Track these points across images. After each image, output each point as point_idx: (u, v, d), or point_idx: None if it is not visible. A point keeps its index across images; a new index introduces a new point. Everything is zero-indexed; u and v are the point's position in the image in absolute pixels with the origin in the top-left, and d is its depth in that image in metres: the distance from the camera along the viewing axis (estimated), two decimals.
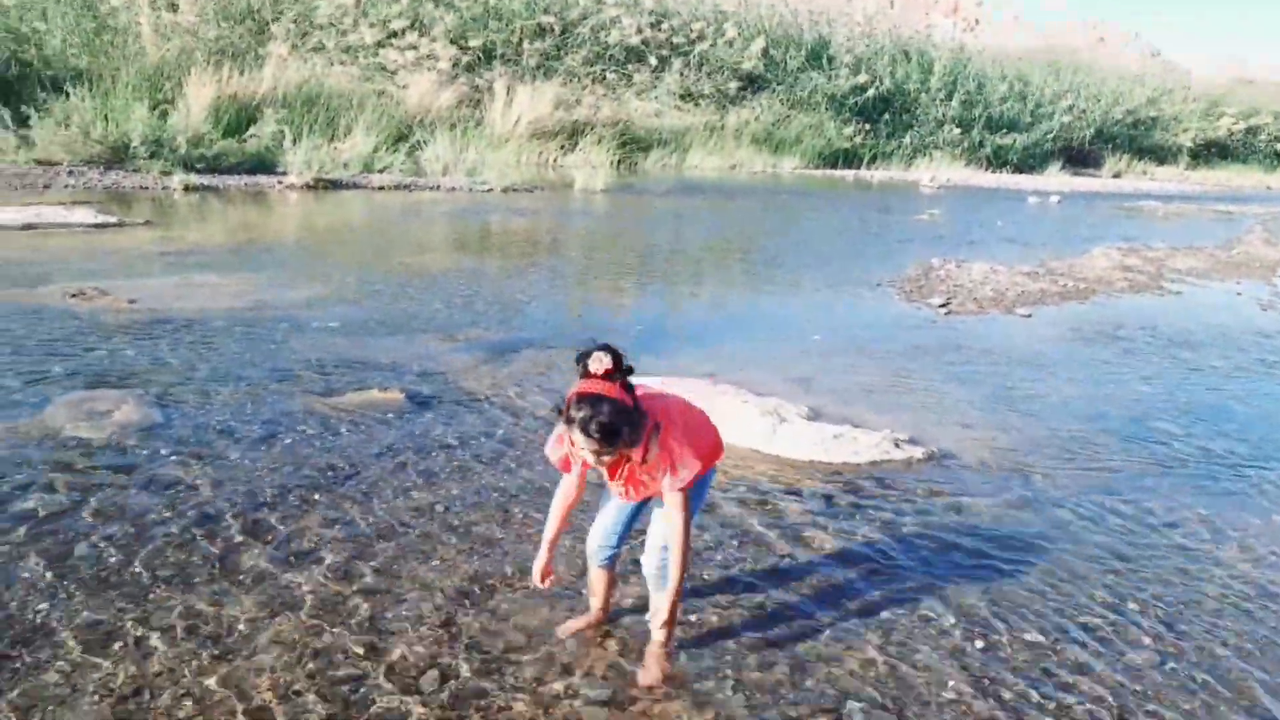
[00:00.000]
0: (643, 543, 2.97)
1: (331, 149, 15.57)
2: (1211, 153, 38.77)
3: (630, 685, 2.79)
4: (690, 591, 3.29)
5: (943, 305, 8.47)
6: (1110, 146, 35.41)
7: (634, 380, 2.55)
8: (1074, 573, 3.69)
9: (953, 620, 3.28)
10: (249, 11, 20.38)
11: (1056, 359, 6.98)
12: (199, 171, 13.35)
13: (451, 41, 22.89)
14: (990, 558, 3.77)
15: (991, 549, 3.84)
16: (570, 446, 2.62)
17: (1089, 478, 4.69)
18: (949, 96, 31.46)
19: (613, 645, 2.99)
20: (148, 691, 2.60)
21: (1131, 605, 3.47)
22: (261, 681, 2.67)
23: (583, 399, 2.44)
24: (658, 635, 2.86)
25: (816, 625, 3.19)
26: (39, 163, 12.42)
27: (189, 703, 2.57)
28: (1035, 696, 2.89)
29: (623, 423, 2.45)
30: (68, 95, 13.25)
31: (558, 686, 2.76)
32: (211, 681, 2.66)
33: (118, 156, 13.15)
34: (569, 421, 2.47)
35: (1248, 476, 4.86)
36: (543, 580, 2.92)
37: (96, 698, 2.56)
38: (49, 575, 3.13)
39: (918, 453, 4.76)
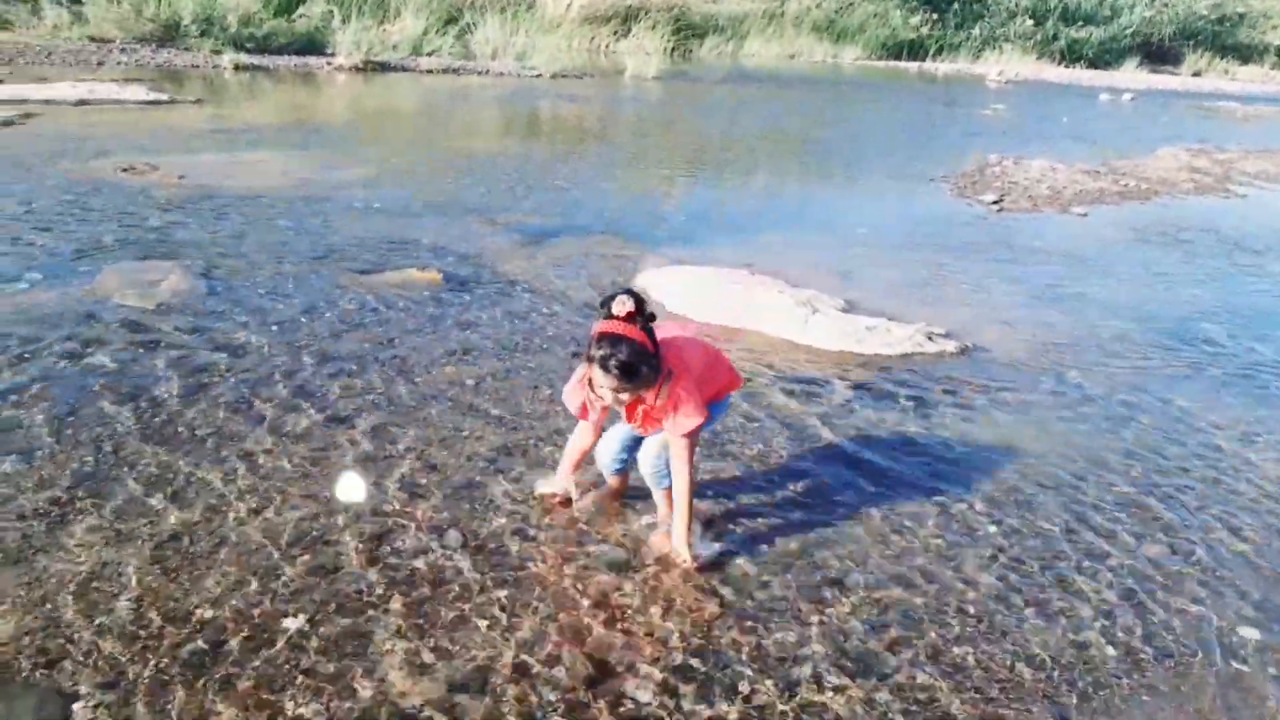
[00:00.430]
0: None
1: (381, 30, 15.40)
2: None
3: (642, 551, 2.88)
4: (707, 471, 3.37)
5: (995, 202, 8.26)
6: (1192, 43, 33.57)
7: (657, 319, 2.65)
8: (1097, 467, 3.69)
9: (967, 505, 3.32)
10: None
11: (1108, 259, 6.81)
12: (249, 51, 13.32)
13: None
14: (1013, 449, 3.78)
15: (1016, 441, 3.85)
16: (589, 392, 2.70)
17: (1125, 376, 4.63)
18: None
19: (630, 517, 3.08)
20: (188, 537, 2.76)
21: (1152, 500, 3.47)
22: (297, 531, 2.82)
23: (604, 338, 2.53)
24: (677, 534, 2.89)
25: (830, 506, 3.25)
26: (92, 39, 12.48)
27: (225, 549, 2.72)
28: (1044, 579, 2.93)
29: (641, 362, 2.53)
30: None
31: (573, 549, 2.87)
32: (250, 529, 2.81)
33: (169, 34, 13.15)
34: (590, 359, 2.55)
35: None
36: (546, 500, 3.08)
37: (142, 540, 2.72)
38: (99, 430, 3.29)
39: (951, 346, 4.73)
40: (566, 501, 3.11)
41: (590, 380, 2.66)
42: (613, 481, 3.15)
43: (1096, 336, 5.15)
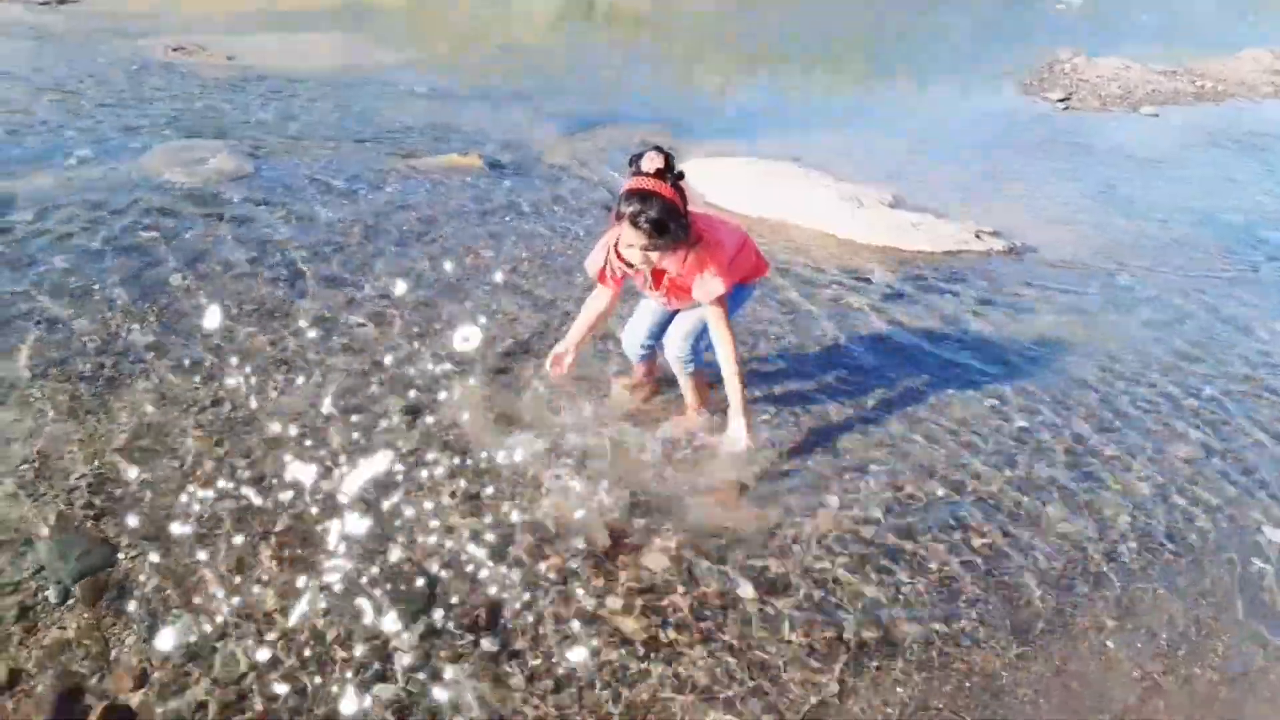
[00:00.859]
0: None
1: None
2: None
3: (667, 441, 2.92)
4: (744, 356, 3.38)
5: (1062, 100, 7.94)
6: None
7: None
8: (1138, 367, 3.62)
9: (1000, 398, 3.30)
10: None
11: (1173, 160, 6.55)
12: None
13: None
14: (1054, 347, 3.72)
15: (1057, 338, 3.79)
16: (612, 257, 2.69)
17: (1179, 280, 4.50)
18: None
19: (658, 401, 3.11)
20: (228, 403, 2.86)
21: (1192, 400, 3.42)
22: (321, 404, 2.90)
23: (633, 194, 2.49)
24: (734, 408, 2.83)
25: (862, 393, 3.25)
26: None
27: (262, 416, 2.82)
28: (1071, 472, 2.93)
29: (670, 219, 2.50)
30: None
31: (598, 429, 2.92)
32: (283, 398, 2.91)
33: None
34: (619, 216, 2.52)
35: None
36: (553, 365, 2.93)
37: (189, 404, 2.83)
38: (143, 304, 3.38)
39: (999, 245, 4.62)
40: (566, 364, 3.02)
41: (615, 246, 2.65)
42: (639, 369, 3.16)
43: (1153, 239, 4.99)
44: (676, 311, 2.93)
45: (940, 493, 2.80)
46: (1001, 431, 3.12)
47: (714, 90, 7.80)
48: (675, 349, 2.93)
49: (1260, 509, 2.86)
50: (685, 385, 3.02)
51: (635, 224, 2.49)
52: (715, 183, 5.04)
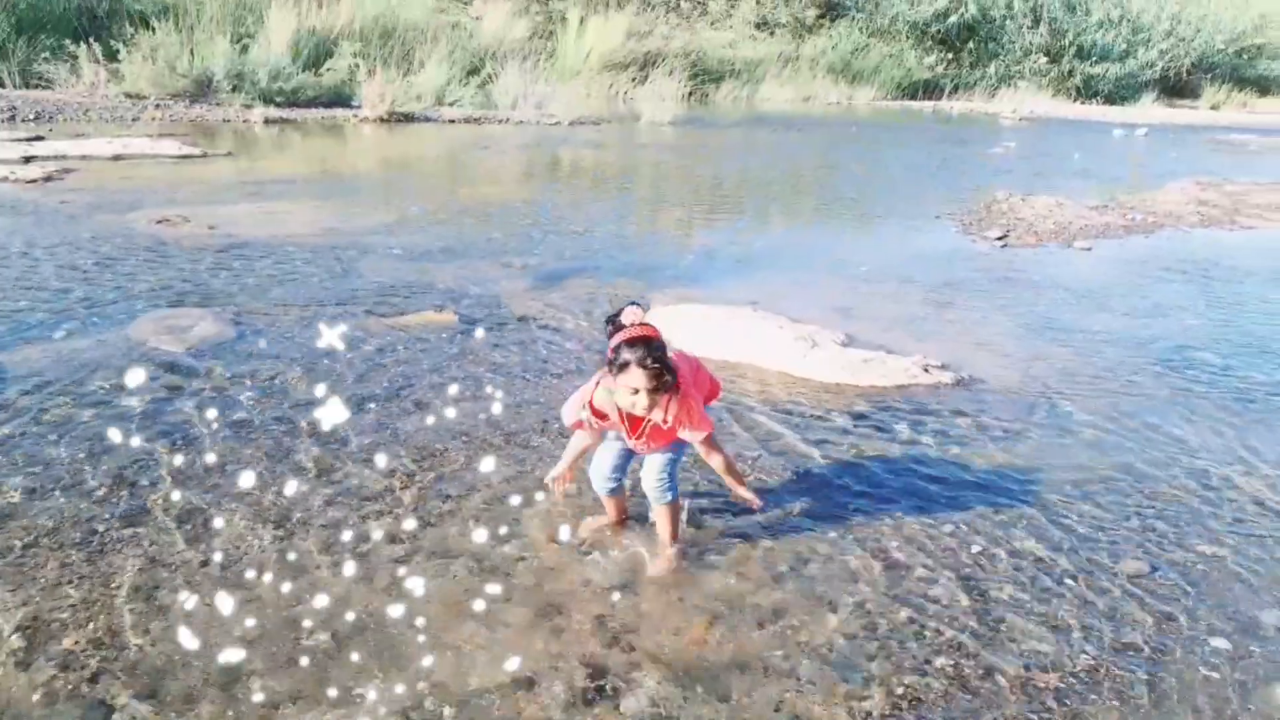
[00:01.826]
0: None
1: (405, 82, 15.88)
2: None
3: (641, 576, 3.07)
4: (698, 495, 3.56)
5: (1000, 238, 8.44)
6: (1210, 76, 33.73)
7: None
8: (1081, 490, 3.83)
9: (950, 529, 3.47)
10: None
11: (1108, 291, 6.96)
12: (278, 105, 13.81)
13: None
14: (1000, 474, 3.93)
15: (1003, 466, 4.00)
16: (587, 412, 2.93)
17: (1118, 403, 4.77)
18: (1036, 23, 30.30)
19: (627, 540, 3.26)
20: (217, 565, 2.98)
21: (1134, 521, 3.61)
22: (317, 556, 3.02)
23: (635, 341, 2.72)
24: (734, 485, 3.12)
25: (819, 529, 3.42)
26: (128, 96, 13.01)
27: (253, 571, 2.93)
28: (1021, 596, 3.08)
29: (667, 360, 2.74)
30: (154, 30, 13.75)
31: (575, 572, 3.06)
32: (273, 554, 3.03)
33: (202, 90, 13.68)
34: (622, 366, 2.71)
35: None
36: (558, 484, 3.30)
37: (175, 567, 2.94)
38: (136, 465, 3.53)
39: (946, 377, 4.90)
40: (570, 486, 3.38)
41: (590, 401, 2.86)
42: (610, 507, 3.32)
43: (1091, 366, 5.30)
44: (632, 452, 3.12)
45: (904, 617, 2.94)
46: (951, 561, 3.29)
47: (672, 239, 8.22)
48: (652, 481, 3.10)
49: (1206, 622, 3.03)
50: (662, 517, 3.17)
51: (644, 366, 2.68)
52: (677, 329, 5.31)
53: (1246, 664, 2.83)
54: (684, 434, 2.91)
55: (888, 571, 3.18)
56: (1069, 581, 3.19)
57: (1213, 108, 32.06)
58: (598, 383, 2.93)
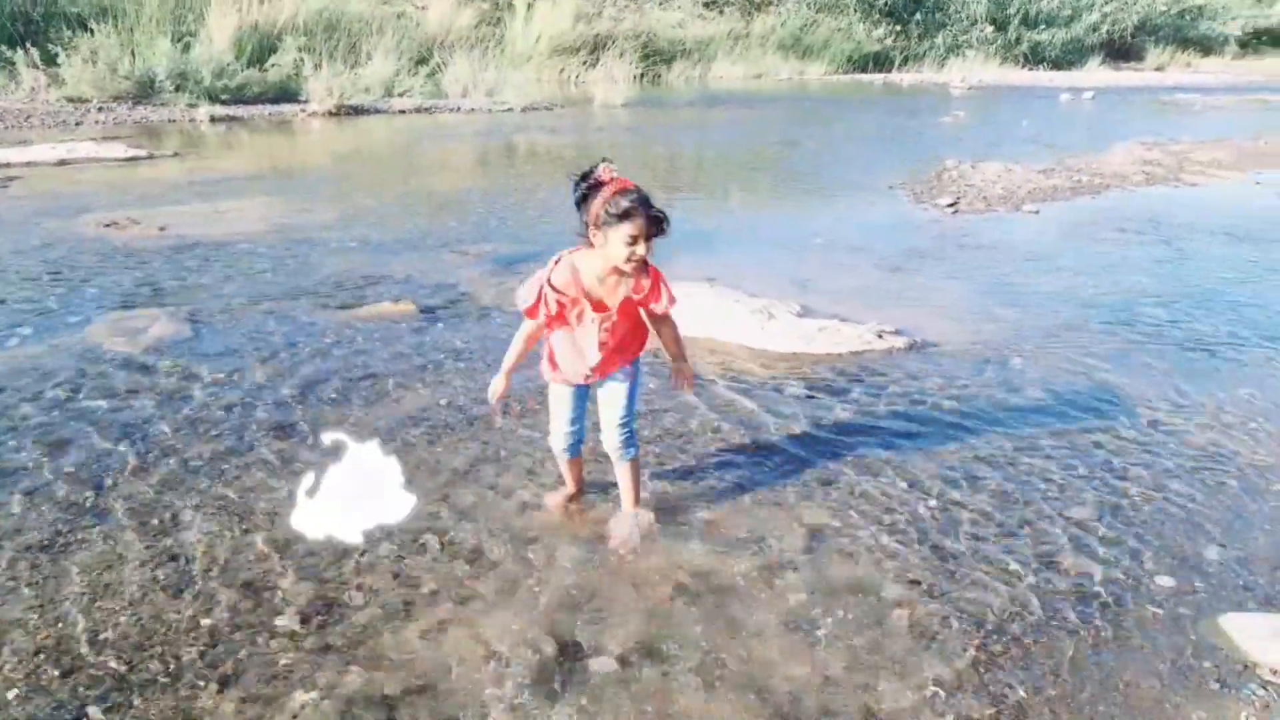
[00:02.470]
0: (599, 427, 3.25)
1: (353, 75, 15.73)
2: (1262, 41, 37.35)
3: (604, 545, 3.12)
4: (660, 468, 3.62)
5: (950, 205, 8.57)
6: (1154, 39, 34.27)
7: None
8: (1031, 442, 3.94)
9: (905, 485, 3.57)
10: None
11: (1056, 253, 7.11)
12: (224, 103, 13.64)
13: None
14: (952, 431, 4.03)
15: (956, 423, 4.11)
16: (548, 290, 2.79)
17: (1067, 361, 4.89)
18: None
19: (591, 514, 3.32)
20: (183, 558, 2.99)
21: (1081, 468, 3.73)
22: (286, 551, 3.05)
23: (625, 189, 2.65)
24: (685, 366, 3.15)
25: (777, 492, 3.49)
26: (70, 100, 12.77)
27: (215, 570, 2.95)
28: (971, 545, 3.18)
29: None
30: (92, 32, 13.50)
31: (539, 550, 3.11)
32: (238, 556, 3.05)
33: (145, 91, 13.46)
34: (624, 214, 2.63)
35: (1226, 355, 5.02)
36: (497, 399, 3.12)
37: (139, 563, 2.95)
38: (96, 465, 3.52)
39: (900, 342, 4.99)
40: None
41: (550, 280, 2.79)
42: (569, 473, 3.31)
43: (1040, 325, 5.42)
44: (585, 391, 3.10)
45: (859, 573, 3.02)
46: (910, 514, 3.38)
47: None
48: (615, 438, 3.09)
49: (1152, 559, 3.14)
50: (625, 475, 3.19)
51: (647, 205, 2.64)
52: None
53: (1191, 599, 2.94)
54: (656, 307, 2.90)
55: (844, 531, 3.26)
56: (1019, 530, 3.29)
57: (1157, 69, 32.61)
58: (557, 261, 2.84)
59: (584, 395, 3.15)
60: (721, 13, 25.89)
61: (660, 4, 25.04)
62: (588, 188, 2.71)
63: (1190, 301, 5.94)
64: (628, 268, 2.77)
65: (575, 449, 3.25)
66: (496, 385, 3.10)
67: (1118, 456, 3.84)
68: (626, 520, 3.21)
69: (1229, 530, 3.33)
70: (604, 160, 2.74)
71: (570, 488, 3.37)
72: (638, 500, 3.24)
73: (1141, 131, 14.27)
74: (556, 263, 2.86)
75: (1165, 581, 3.02)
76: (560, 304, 2.85)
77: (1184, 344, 5.18)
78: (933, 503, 3.45)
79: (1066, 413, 4.25)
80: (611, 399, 3.10)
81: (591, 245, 2.80)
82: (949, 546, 3.18)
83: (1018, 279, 6.38)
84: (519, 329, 3.04)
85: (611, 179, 2.70)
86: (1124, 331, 5.35)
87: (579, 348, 2.96)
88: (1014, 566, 3.07)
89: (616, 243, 2.70)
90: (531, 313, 2.88)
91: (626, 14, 23.71)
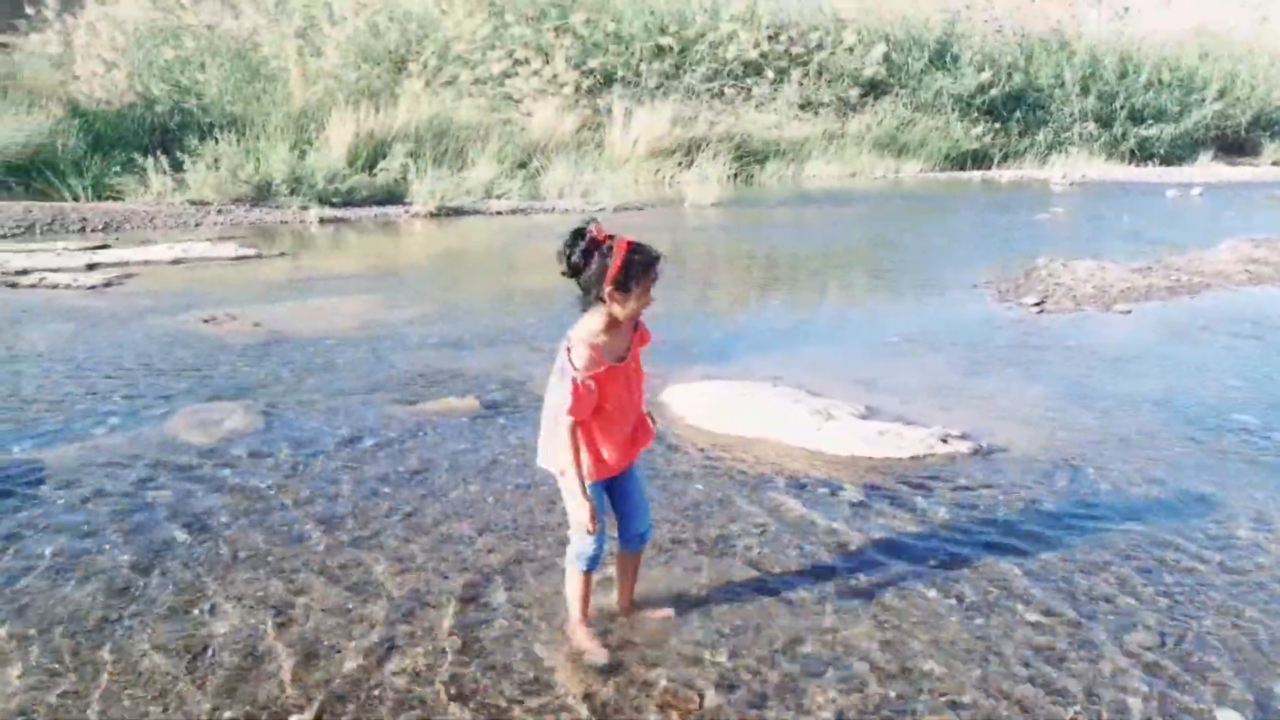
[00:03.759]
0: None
1: (458, 179, 16.45)
2: None
3: (638, 656, 3.07)
4: (712, 570, 3.56)
5: (1036, 304, 8.35)
6: (1269, 133, 33.16)
7: None
8: (1095, 561, 3.73)
9: (952, 603, 3.41)
10: (388, 52, 21.71)
11: (1144, 355, 6.81)
12: (334, 205, 14.40)
13: (574, 67, 23.73)
14: (1011, 546, 3.85)
15: (1014, 537, 3.92)
16: (583, 378, 2.73)
17: (1143, 471, 4.65)
18: (1085, 90, 30.26)
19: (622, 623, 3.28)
20: (224, 650, 3.07)
21: (1147, 592, 3.50)
22: (317, 645, 3.10)
23: (637, 246, 2.70)
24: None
25: (822, 602, 3.38)
26: (192, 203, 13.70)
27: (250, 660, 3.01)
28: (1025, 672, 3.00)
29: None
30: (217, 140, 14.54)
31: (565, 652, 3.07)
32: (276, 644, 3.11)
33: (262, 194, 14.34)
34: (648, 265, 2.69)
35: None
36: (594, 520, 2.86)
37: (182, 651, 3.04)
38: (161, 551, 3.67)
39: (964, 448, 4.83)
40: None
41: (584, 378, 2.73)
42: (588, 590, 3.12)
43: (1118, 431, 5.18)
44: (611, 490, 3.05)
45: (893, 694, 2.88)
46: (958, 634, 3.22)
47: (703, 317, 8.29)
48: (646, 520, 3.14)
49: (1214, 694, 2.91)
50: (633, 562, 3.20)
51: (658, 259, 2.73)
52: (692, 406, 5.37)
53: None
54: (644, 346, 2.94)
55: (885, 647, 3.13)
56: (1073, 655, 3.09)
57: (1274, 164, 31.44)
58: (570, 349, 2.79)
59: (603, 498, 3.14)
60: (817, 114, 26.23)
61: (757, 107, 25.56)
62: (585, 250, 2.70)
63: None
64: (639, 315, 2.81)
65: (601, 557, 3.13)
66: (587, 510, 2.82)
67: (1190, 578, 3.60)
68: (647, 610, 3.18)
69: None
70: (592, 220, 2.77)
71: (587, 607, 3.17)
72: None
73: (1250, 229, 13.67)
74: (570, 351, 2.81)
75: (1228, 717, 2.79)
76: (596, 382, 2.79)
77: (1271, 455, 4.87)
78: (979, 621, 3.28)
79: (1136, 530, 4.02)
80: (636, 485, 3.09)
81: (597, 304, 2.78)
82: (992, 671, 3.01)
83: (1099, 382, 6.13)
84: (565, 440, 2.82)
85: (606, 237, 2.72)
86: (1209, 440, 5.07)
87: (621, 408, 2.92)
88: (1060, 696, 2.88)
89: (639, 296, 2.74)
90: (578, 411, 2.79)
91: (723, 117, 24.26)
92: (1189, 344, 7.18)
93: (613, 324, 2.81)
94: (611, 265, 2.66)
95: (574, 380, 2.77)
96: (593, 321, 2.82)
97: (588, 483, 2.87)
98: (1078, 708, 2.81)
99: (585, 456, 2.89)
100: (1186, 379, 6.23)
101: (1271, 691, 2.91)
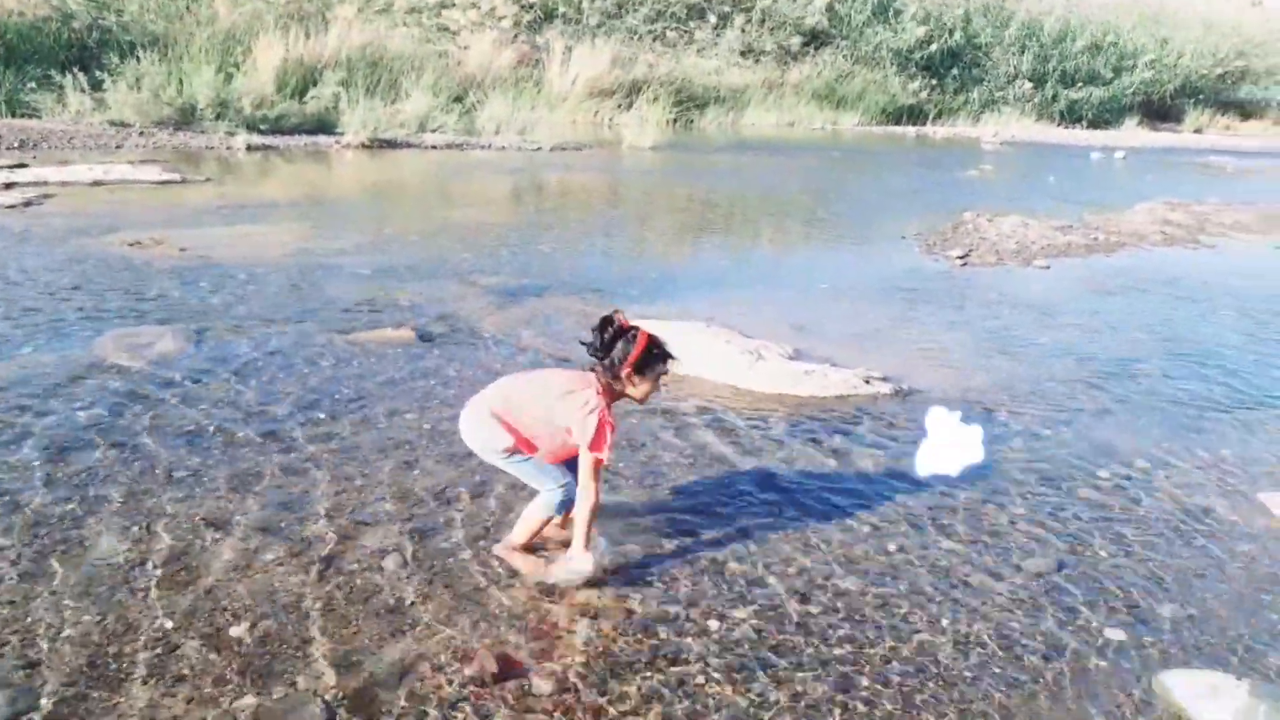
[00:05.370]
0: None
1: (392, 110, 16.09)
2: None
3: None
4: (634, 495, 3.68)
5: (961, 257, 8.61)
6: (1193, 100, 34.16)
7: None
8: (1003, 494, 3.96)
9: (871, 528, 3.61)
10: None
11: (1059, 308, 7.12)
12: (262, 132, 14.00)
13: (513, 1, 23.24)
14: (924, 481, 4.05)
15: (927, 473, 4.13)
16: (612, 428, 3.04)
17: (1053, 413, 4.91)
18: (1023, 50, 30.73)
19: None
20: (151, 564, 3.10)
21: (1048, 523, 3.74)
22: (252, 560, 3.15)
23: (657, 343, 3.06)
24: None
25: (743, 528, 3.54)
26: (112, 124, 13.19)
27: (185, 574, 3.05)
28: (932, 592, 3.20)
29: None
30: (139, 59, 13.96)
31: (500, 568, 3.18)
32: (210, 560, 3.15)
33: (186, 118, 13.86)
34: (665, 358, 3.09)
35: (1212, 416, 5.02)
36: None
37: (116, 567, 3.07)
38: (84, 473, 3.65)
39: (886, 389, 5.04)
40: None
41: (610, 403, 3.07)
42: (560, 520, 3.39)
43: (1031, 378, 5.44)
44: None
45: (812, 610, 3.06)
46: (870, 558, 3.41)
47: (637, 258, 8.37)
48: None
49: (1105, 613, 3.15)
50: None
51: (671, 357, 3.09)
52: None
53: (1138, 654, 2.95)
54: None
55: (801, 571, 3.30)
56: (971, 580, 3.31)
57: (1195, 131, 32.47)
58: (601, 411, 3.02)
59: None
60: (757, 61, 26.20)
61: (699, 51, 25.40)
62: (614, 333, 3.04)
63: (1185, 361, 5.93)
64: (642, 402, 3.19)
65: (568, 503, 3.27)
66: (591, 560, 3.13)
67: (1087, 511, 3.85)
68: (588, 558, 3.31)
69: (1188, 588, 3.34)
70: (616, 310, 3.12)
71: (532, 539, 3.32)
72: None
73: (1168, 192, 14.22)
74: (602, 413, 3.03)
75: (1116, 635, 3.03)
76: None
77: (1173, 402, 5.18)
78: (890, 546, 3.48)
79: (1043, 466, 4.26)
80: None
81: (615, 381, 3.07)
82: (899, 591, 3.21)
83: (1016, 332, 6.41)
84: (594, 487, 3.05)
85: (629, 327, 3.06)
86: (1115, 387, 5.36)
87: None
88: (962, 616, 3.09)
89: (649, 384, 3.10)
90: (603, 449, 3.04)
91: (663, 60, 24.08)
92: (1102, 298, 7.51)
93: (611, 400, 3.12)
94: (633, 352, 3.01)
95: (608, 428, 3.03)
96: (603, 393, 3.09)
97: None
98: (976, 627, 3.03)
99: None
100: (1097, 331, 6.54)
101: (1157, 613, 3.16)
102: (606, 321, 3.06)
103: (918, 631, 2.98)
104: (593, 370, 3.12)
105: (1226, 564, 3.51)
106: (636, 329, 3.05)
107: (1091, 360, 5.84)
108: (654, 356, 3.06)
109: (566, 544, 3.21)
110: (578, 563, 3.10)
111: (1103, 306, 7.26)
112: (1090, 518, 3.79)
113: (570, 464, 3.21)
